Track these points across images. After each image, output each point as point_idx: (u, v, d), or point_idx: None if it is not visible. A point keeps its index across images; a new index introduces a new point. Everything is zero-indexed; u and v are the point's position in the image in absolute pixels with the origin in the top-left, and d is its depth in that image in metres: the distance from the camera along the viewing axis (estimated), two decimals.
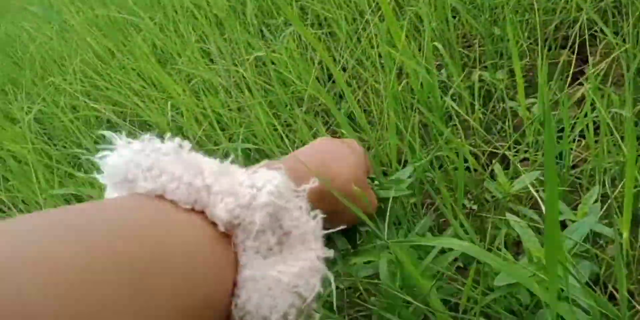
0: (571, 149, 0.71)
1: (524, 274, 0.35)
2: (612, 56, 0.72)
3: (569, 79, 0.82)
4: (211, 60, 1.02)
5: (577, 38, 0.84)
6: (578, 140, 0.70)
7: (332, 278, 0.29)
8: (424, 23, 0.99)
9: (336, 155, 0.38)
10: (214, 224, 0.26)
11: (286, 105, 0.94)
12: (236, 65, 0.86)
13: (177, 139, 0.28)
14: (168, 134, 0.29)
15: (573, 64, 0.75)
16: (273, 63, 0.94)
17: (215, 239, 0.26)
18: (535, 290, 0.30)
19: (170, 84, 0.85)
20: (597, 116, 0.71)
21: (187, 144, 0.28)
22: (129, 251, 0.20)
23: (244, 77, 0.83)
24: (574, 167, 0.68)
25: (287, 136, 0.83)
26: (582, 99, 0.85)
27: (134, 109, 0.92)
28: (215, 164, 0.28)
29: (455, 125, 0.87)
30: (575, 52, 0.85)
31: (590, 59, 0.90)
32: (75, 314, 0.17)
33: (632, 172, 0.37)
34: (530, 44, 0.93)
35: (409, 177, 0.48)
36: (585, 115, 0.63)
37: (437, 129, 0.63)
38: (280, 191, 0.28)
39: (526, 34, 0.90)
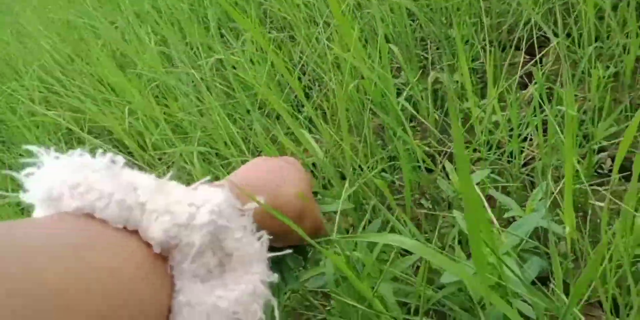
0: (523, 147, 0.72)
1: (466, 270, 0.35)
2: (544, 52, 0.74)
3: (521, 79, 0.84)
4: (172, 64, 1.01)
5: (524, 40, 0.87)
6: (531, 139, 0.72)
7: (275, 303, 0.27)
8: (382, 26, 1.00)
9: (282, 174, 0.38)
10: (149, 245, 0.24)
11: (248, 110, 0.94)
12: (194, 69, 0.85)
13: (110, 155, 0.27)
14: (100, 150, 0.27)
15: (520, 64, 0.77)
16: (234, 67, 0.94)
17: (149, 261, 0.24)
18: (472, 287, 0.31)
19: (127, 89, 0.83)
20: (547, 115, 0.73)
21: (120, 159, 0.27)
22: (49, 276, 0.19)
23: (203, 80, 0.82)
24: (525, 165, 0.70)
25: (247, 140, 0.83)
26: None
27: (91, 115, 0.90)
28: (151, 181, 0.26)
29: (414, 126, 0.88)
30: (523, 52, 0.87)
31: (544, 59, 0.92)
32: None
33: (570, 166, 0.39)
34: (485, 45, 0.95)
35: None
36: (535, 115, 0.65)
37: (392, 131, 0.64)
38: (222, 210, 0.26)
39: (481, 36, 0.92)
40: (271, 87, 0.91)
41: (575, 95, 0.74)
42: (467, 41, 0.96)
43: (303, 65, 0.96)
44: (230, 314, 0.25)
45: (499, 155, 0.64)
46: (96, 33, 1.15)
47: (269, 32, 1.23)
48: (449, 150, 0.65)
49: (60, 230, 0.23)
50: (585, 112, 0.69)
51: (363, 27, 0.92)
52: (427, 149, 0.70)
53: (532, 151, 0.70)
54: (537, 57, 0.77)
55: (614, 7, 0.88)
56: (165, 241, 0.24)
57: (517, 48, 0.93)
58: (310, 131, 0.78)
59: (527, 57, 0.93)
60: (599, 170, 0.69)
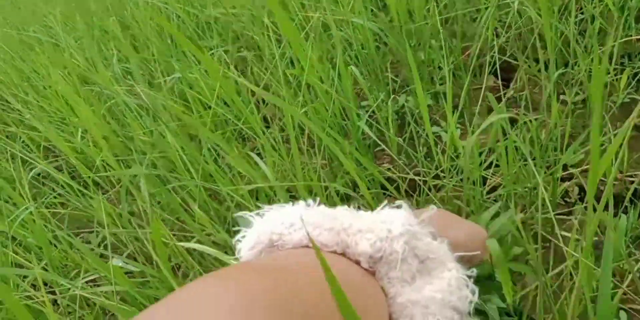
0: (493, 174, 0.70)
1: None
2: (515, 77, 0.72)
3: (485, 103, 0.82)
4: (134, 82, 0.97)
5: (488, 65, 0.85)
6: (497, 165, 0.70)
7: (476, 290, 0.30)
8: (352, 47, 0.98)
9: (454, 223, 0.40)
10: (357, 263, 0.29)
11: (214, 130, 0.90)
12: (154, 87, 0.82)
13: (302, 202, 0.32)
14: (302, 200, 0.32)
15: (486, 89, 0.75)
16: (191, 87, 0.90)
17: (362, 273, 0.28)
18: None
19: (81, 107, 0.79)
20: (515, 141, 0.70)
21: (312, 202, 0.32)
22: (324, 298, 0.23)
23: (159, 98, 0.79)
24: (492, 191, 0.67)
25: (199, 164, 0.79)
26: (513, 120, 0.85)
27: (45, 133, 0.86)
28: (344, 211, 0.31)
29: (382, 149, 0.85)
30: (495, 77, 0.86)
31: (512, 84, 0.91)
32: None
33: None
34: (456, 69, 0.93)
35: None
36: (499, 141, 0.62)
37: (352, 156, 0.60)
38: (410, 222, 0.30)
39: (450, 60, 0.90)
40: (236, 105, 0.88)
41: (543, 121, 0.72)
42: (437, 66, 0.95)
43: (267, 83, 0.93)
44: (446, 303, 0.29)
45: (457, 182, 0.61)
46: (57, 49, 1.11)
47: (239, 51, 1.21)
48: (407, 176, 0.62)
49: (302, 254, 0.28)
50: (552, 139, 0.67)
51: (328, 47, 0.90)
52: (390, 175, 0.67)
53: (497, 178, 0.67)
54: (522, 85, 0.75)
55: (581, 32, 0.88)
56: (372, 255, 0.28)
57: (493, 73, 0.92)
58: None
59: (504, 82, 0.91)
60: (567, 199, 0.67)
